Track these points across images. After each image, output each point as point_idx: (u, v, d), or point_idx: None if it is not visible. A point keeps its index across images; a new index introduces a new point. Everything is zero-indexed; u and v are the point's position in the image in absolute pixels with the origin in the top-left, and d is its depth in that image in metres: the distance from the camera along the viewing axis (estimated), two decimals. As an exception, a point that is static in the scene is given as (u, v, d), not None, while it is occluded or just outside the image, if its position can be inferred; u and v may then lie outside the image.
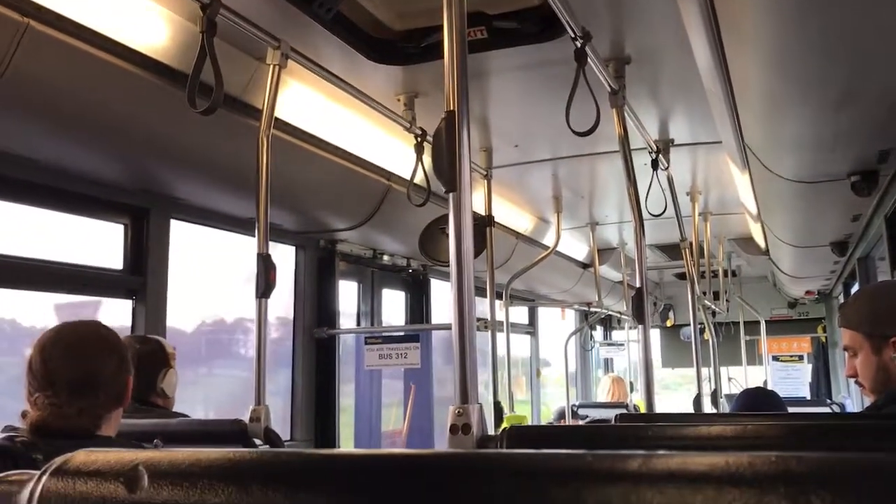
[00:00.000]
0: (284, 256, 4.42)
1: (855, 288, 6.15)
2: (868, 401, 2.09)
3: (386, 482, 0.46)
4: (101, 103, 2.49)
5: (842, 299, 7.41)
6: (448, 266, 1.35)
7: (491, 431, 1.24)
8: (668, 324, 9.26)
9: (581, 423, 6.38)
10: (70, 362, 1.81)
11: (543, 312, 8.60)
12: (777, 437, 1.02)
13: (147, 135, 2.72)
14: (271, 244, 2.46)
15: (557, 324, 9.32)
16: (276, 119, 2.72)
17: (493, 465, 0.45)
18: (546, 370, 8.71)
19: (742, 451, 1.03)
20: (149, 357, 2.63)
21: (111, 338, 1.92)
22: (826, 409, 6.42)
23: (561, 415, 6.51)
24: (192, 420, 2.73)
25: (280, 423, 4.33)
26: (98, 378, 1.82)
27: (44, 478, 0.51)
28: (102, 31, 2.37)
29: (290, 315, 4.48)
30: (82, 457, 0.52)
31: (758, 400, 3.34)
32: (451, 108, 1.37)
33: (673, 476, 0.42)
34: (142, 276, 3.31)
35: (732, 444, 1.03)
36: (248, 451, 0.52)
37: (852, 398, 7.32)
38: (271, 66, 2.46)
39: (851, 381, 2.11)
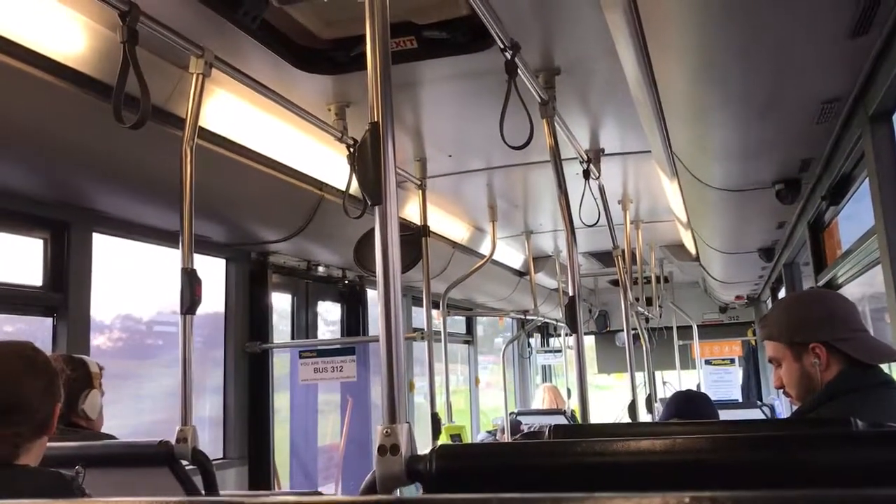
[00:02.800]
0: (215, 270, 4.31)
1: (782, 293, 6.33)
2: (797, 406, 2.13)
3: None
4: (16, 113, 2.39)
5: (770, 303, 7.62)
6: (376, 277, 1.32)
7: (428, 444, 1.22)
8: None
9: (524, 429, 6.40)
10: None
11: (481, 321, 8.63)
12: (710, 451, 1.02)
13: (65, 145, 2.62)
14: (200, 257, 2.39)
15: (495, 332, 9.37)
16: (203, 129, 2.65)
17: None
18: (484, 378, 8.73)
19: (674, 466, 1.03)
20: (70, 378, 2.52)
21: (40, 361, 1.80)
22: (757, 412, 6.59)
23: (503, 425, 6.53)
24: (117, 442, 2.62)
25: (213, 440, 4.22)
26: (21, 404, 1.72)
27: None
28: (15, 38, 2.27)
29: (222, 329, 4.37)
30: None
31: (689, 403, 3.38)
32: (375, 120, 1.34)
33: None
34: (62, 292, 3.18)
35: (663, 458, 1.02)
36: (153, 501, 0.47)
37: (781, 400, 7.52)
38: (195, 75, 2.39)
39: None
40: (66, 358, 2.67)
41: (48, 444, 1.91)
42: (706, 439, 1.05)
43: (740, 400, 8.85)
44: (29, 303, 3.16)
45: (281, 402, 4.63)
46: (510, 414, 6.73)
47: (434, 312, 4.35)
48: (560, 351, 9.48)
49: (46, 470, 1.80)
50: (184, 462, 2.24)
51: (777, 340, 2.07)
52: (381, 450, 1.17)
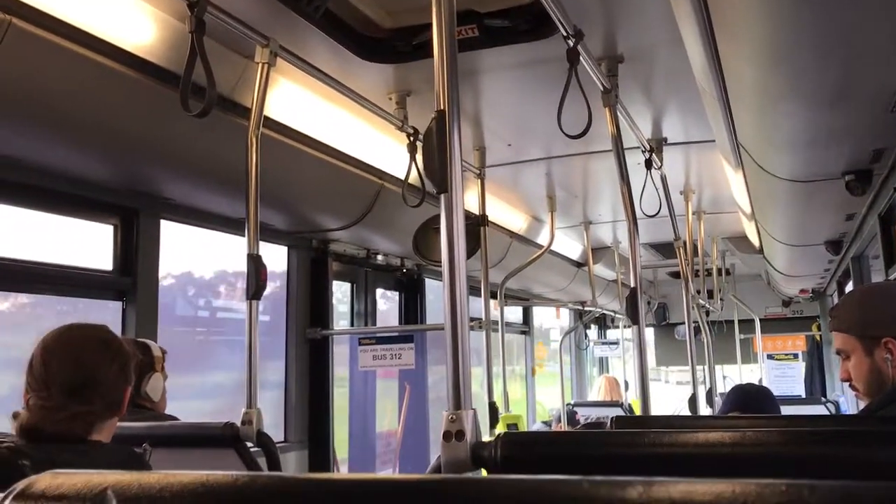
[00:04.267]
0: (277, 257, 4.39)
1: (849, 287, 6.15)
2: (863, 403, 2.08)
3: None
4: (87, 102, 2.46)
5: (836, 298, 7.41)
6: (442, 265, 1.33)
7: (486, 433, 1.22)
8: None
9: (580, 420, 6.37)
10: (69, 365, 1.75)
11: (538, 312, 8.60)
12: (778, 445, 1.00)
13: (135, 134, 2.69)
14: (262, 244, 2.43)
15: (552, 323, 9.32)
16: (267, 118, 2.69)
17: (487, 494, 0.43)
18: (540, 369, 8.70)
19: (743, 459, 1.01)
20: (138, 362, 2.59)
21: (115, 344, 1.85)
22: (821, 408, 6.42)
23: (559, 415, 6.50)
24: (184, 423, 2.69)
25: (272, 425, 4.30)
26: (96, 384, 1.77)
27: (6, 502, 0.48)
28: (88, 29, 2.33)
29: (283, 315, 4.45)
30: (48, 480, 0.49)
31: (750, 397, 3.30)
32: (441, 108, 1.35)
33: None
34: (131, 276, 3.27)
35: (732, 451, 1.01)
36: (222, 475, 0.49)
37: (846, 397, 7.32)
38: (260, 65, 2.43)
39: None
40: (132, 342, 2.75)
41: (118, 424, 1.97)
42: (778, 432, 1.03)
43: (803, 396, 8.64)
44: (100, 287, 3.27)
45: (339, 388, 4.69)
46: (566, 405, 6.70)
47: (491, 302, 4.35)
48: (617, 343, 9.39)
49: (119, 445, 1.86)
50: (248, 444, 2.29)
51: (847, 333, 2.02)
52: (447, 435, 1.17)
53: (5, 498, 0.48)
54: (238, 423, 2.31)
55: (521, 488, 0.42)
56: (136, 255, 3.28)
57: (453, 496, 0.44)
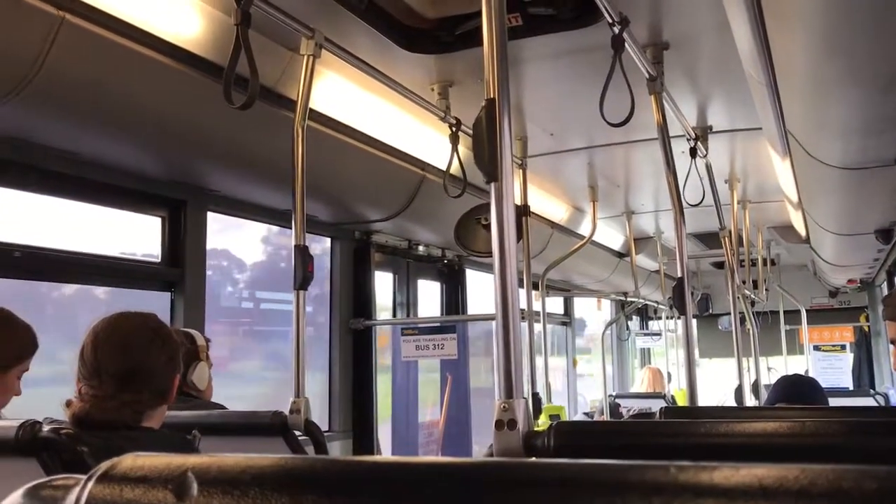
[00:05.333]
0: (320, 248, 4.43)
1: (900, 276, 6.01)
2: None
3: (446, 493, 0.43)
4: (135, 96, 2.50)
5: (885, 288, 7.25)
6: (483, 256, 1.33)
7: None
8: None
9: (623, 412, 6.33)
10: (119, 354, 1.79)
11: (579, 302, 8.55)
12: (834, 436, 0.99)
13: (182, 127, 2.73)
14: (307, 236, 2.45)
15: (593, 314, 9.27)
16: (311, 110, 2.71)
17: (559, 477, 0.43)
18: (581, 360, 8.66)
19: (799, 449, 1.00)
20: (185, 351, 2.64)
21: (164, 333, 1.89)
22: (870, 400, 6.30)
23: (601, 406, 6.47)
24: (233, 412, 2.73)
25: (317, 414, 4.34)
26: (145, 372, 1.80)
27: (90, 483, 0.50)
28: (136, 23, 2.37)
29: (327, 306, 4.49)
30: (129, 461, 0.50)
31: (797, 388, 3.25)
32: (492, 97, 1.34)
33: (748, 491, 0.39)
34: (180, 267, 3.33)
35: (788, 441, 0.99)
36: (300, 458, 0.50)
37: (896, 389, 7.17)
38: (305, 57, 2.44)
39: None
40: (178, 331, 2.80)
41: (167, 413, 2.01)
42: (832, 423, 1.01)
43: (851, 388, 8.47)
44: (149, 277, 3.33)
45: (382, 378, 4.72)
46: (609, 396, 6.66)
47: (533, 293, 4.33)
48: (659, 334, 9.30)
49: (171, 432, 1.90)
50: (296, 433, 2.32)
51: None
52: (499, 424, 1.17)
53: (88, 479, 0.49)
54: (286, 412, 2.33)
55: (609, 470, 0.42)
56: (184, 246, 3.33)
57: (528, 479, 0.44)
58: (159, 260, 3.34)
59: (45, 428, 1.70)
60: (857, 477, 0.35)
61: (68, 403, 1.78)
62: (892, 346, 2.07)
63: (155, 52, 2.45)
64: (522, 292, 4.10)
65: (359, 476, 0.46)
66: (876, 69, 2.21)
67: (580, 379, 8.53)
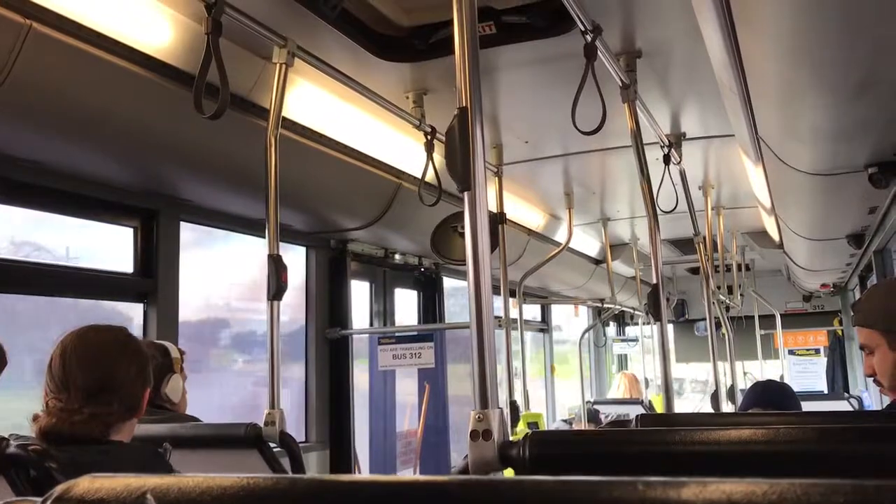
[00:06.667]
0: (295, 257, 4.39)
1: (872, 281, 6.08)
2: (888, 399, 2.05)
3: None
4: (105, 105, 2.47)
5: (858, 292, 7.34)
6: (459, 264, 1.32)
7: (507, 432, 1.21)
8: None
9: (601, 417, 6.34)
10: (88, 367, 1.77)
11: (556, 309, 8.56)
12: (808, 443, 0.99)
13: (153, 136, 2.70)
14: (281, 245, 2.43)
15: (570, 321, 9.29)
16: (284, 118, 2.69)
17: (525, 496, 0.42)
18: (559, 367, 8.67)
19: (774, 456, 1.00)
20: (157, 364, 2.60)
21: (133, 346, 1.87)
22: (844, 404, 6.36)
23: (580, 413, 6.48)
24: (206, 424, 2.70)
25: (294, 424, 4.30)
26: (114, 386, 1.78)
27: (45, 507, 0.48)
28: (106, 31, 2.34)
29: (302, 316, 4.46)
30: (86, 484, 0.48)
31: (770, 393, 3.27)
32: (464, 105, 1.34)
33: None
34: (152, 278, 3.28)
35: (763, 449, 0.99)
36: (262, 478, 0.48)
37: (870, 392, 7.25)
38: (278, 65, 2.43)
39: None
40: (152, 344, 2.76)
41: (139, 425, 1.98)
42: (809, 429, 1.02)
43: (825, 391, 8.56)
44: (121, 289, 3.28)
45: (359, 387, 4.69)
46: (587, 402, 6.67)
47: (510, 301, 4.33)
48: (636, 340, 9.34)
49: (141, 445, 1.87)
50: (272, 445, 2.29)
51: (872, 328, 2.00)
52: (474, 434, 1.16)
53: (44, 502, 0.48)
54: (261, 424, 2.31)
55: (580, 489, 0.41)
56: (157, 257, 3.29)
57: (492, 499, 0.43)
58: (132, 271, 3.30)
59: (13, 443, 1.66)
60: (825, 492, 0.34)
61: (35, 418, 1.75)
62: (863, 352, 2.09)
63: (125, 60, 2.42)
64: (499, 300, 4.10)
65: (322, 496, 0.45)
66: (845, 76, 2.24)
67: (558, 385, 8.54)
